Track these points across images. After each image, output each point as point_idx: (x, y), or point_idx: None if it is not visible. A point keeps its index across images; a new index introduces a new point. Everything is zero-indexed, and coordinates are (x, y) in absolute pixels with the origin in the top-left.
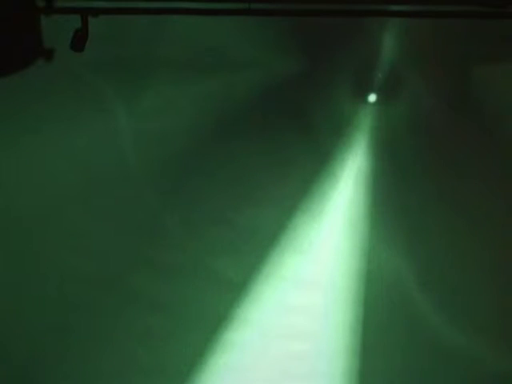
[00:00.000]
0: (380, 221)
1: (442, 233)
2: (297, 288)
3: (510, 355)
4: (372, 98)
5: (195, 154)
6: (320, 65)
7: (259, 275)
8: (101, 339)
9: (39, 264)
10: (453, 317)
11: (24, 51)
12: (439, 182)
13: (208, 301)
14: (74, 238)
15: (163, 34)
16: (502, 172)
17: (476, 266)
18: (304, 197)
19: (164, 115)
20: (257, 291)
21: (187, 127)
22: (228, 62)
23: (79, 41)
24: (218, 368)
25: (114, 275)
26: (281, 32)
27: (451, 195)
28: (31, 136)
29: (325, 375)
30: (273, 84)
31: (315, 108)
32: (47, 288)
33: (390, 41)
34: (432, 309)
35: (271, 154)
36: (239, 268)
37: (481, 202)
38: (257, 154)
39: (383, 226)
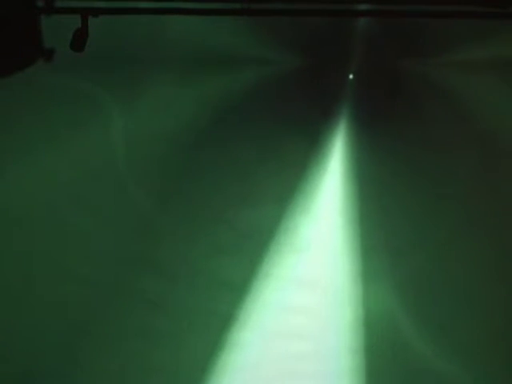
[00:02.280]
0: (380, 219)
1: (440, 230)
2: (297, 288)
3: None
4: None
5: (194, 153)
6: (316, 62)
7: (259, 275)
8: (101, 340)
9: (39, 265)
10: (451, 314)
11: (24, 51)
12: (428, 175)
13: (208, 301)
14: (74, 239)
15: (163, 34)
16: (501, 173)
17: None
18: (303, 196)
19: (163, 115)
20: (257, 291)
21: (186, 127)
22: (227, 61)
23: (79, 41)
24: (218, 368)
25: (113, 276)
26: (278, 30)
27: (445, 190)
28: (29, 136)
29: (325, 375)
30: (271, 83)
31: (313, 106)
32: (48, 289)
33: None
34: (431, 306)
35: (269, 153)
36: (239, 268)
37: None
38: (255, 153)
39: (383, 224)
